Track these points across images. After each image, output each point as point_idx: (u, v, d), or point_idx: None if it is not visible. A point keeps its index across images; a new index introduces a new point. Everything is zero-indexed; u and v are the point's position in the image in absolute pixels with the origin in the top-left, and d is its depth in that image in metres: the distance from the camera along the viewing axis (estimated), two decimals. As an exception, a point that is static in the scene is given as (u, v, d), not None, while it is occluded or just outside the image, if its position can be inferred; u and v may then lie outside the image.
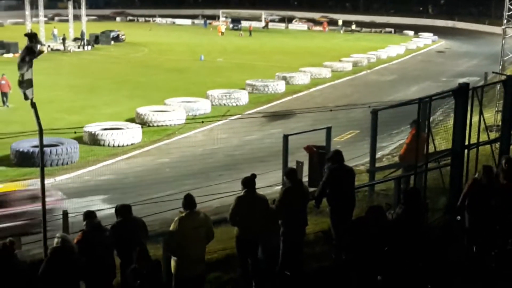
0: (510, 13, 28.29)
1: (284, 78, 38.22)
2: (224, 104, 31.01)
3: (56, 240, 7.54)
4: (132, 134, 23.65)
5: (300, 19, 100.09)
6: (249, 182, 8.84)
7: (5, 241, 7.27)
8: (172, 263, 8.10)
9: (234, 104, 31.31)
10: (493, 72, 21.15)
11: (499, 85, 16.04)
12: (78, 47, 55.75)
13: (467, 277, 8.62)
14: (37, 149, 18.57)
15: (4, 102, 29.93)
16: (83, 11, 58.34)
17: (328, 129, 12.09)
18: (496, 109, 19.96)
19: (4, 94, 29.96)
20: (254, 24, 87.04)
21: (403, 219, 8.10)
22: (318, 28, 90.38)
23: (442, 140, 12.11)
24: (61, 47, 54.27)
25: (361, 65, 48.74)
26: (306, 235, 9.73)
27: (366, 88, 38.41)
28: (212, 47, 59.30)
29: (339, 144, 19.39)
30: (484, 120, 11.62)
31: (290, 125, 24.02)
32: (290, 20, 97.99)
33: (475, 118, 11.36)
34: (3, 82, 29.80)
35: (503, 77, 12.83)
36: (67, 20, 60.30)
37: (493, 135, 13.13)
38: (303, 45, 65.08)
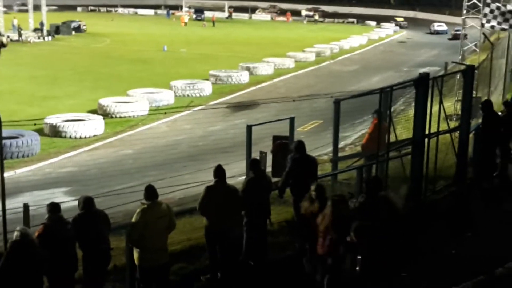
0: (469, 3, 28.72)
1: (248, 69, 38.21)
2: (188, 95, 30.88)
3: (15, 233, 7.42)
4: (94, 125, 23.39)
5: (264, 9, 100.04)
6: (219, 172, 8.84)
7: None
8: (135, 254, 8.08)
9: (197, 95, 31.20)
10: (453, 62, 21.46)
11: (458, 75, 16.28)
12: (38, 38, 54.78)
13: (428, 263, 8.77)
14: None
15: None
16: (44, 0, 57.29)
17: (292, 120, 12.14)
18: (456, 99, 20.27)
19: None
20: (218, 14, 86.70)
21: (365, 208, 8.18)
22: (281, 18, 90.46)
23: (403, 130, 12.27)
24: (21, 37, 53.22)
25: (324, 55, 48.99)
26: (270, 225, 9.78)
27: (329, 78, 38.65)
28: (175, 37, 58.91)
29: (303, 134, 19.47)
30: (444, 109, 11.80)
31: (253, 116, 24.08)
32: (253, 10, 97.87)
33: (435, 108, 11.54)
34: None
35: (463, 67, 13.03)
36: (27, 10, 59.18)
37: (453, 124, 13.35)
38: (266, 36, 65.10)
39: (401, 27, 79.18)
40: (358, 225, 6.56)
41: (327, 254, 7.55)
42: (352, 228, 6.69)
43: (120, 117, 25.45)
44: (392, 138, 11.03)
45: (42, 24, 55.64)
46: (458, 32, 61.10)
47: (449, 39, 60.46)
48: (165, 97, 29.17)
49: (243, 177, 10.36)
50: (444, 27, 74.30)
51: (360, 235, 6.69)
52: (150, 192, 8.08)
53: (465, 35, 30.33)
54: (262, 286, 8.50)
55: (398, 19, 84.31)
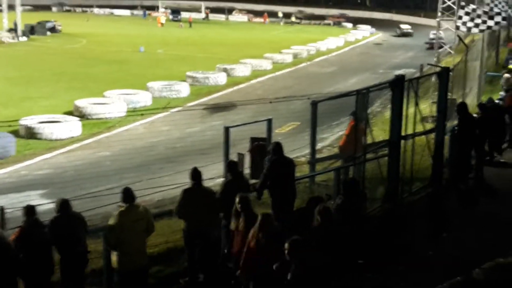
0: (444, 5, 29.03)
1: (225, 70, 38.18)
2: (165, 96, 30.73)
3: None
4: (71, 127, 23.19)
5: (240, 10, 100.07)
6: (196, 175, 8.84)
7: None
8: (113, 257, 8.05)
9: (174, 96, 31.07)
10: (428, 64, 21.72)
11: (434, 77, 16.46)
12: (13, 38, 54.18)
13: (406, 264, 8.86)
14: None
15: None
16: (18, 0, 56.64)
17: (269, 121, 12.18)
18: (431, 101, 20.49)
19: None
20: (194, 15, 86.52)
21: (343, 209, 8.25)
22: (258, 19, 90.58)
23: (379, 131, 12.40)
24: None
25: (301, 57, 49.15)
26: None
27: (306, 80, 38.78)
28: (152, 38, 58.67)
29: (280, 136, 19.52)
30: (420, 111, 11.93)
31: (231, 117, 24.05)
32: (230, 11, 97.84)
33: (411, 109, 11.66)
34: None
35: (438, 69, 13.18)
36: (1, 10, 58.47)
37: (428, 125, 13.49)
38: (243, 37, 65.13)
39: (405, 35, 74.33)
40: (291, 240, 6.42)
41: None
42: (285, 244, 6.50)
43: (97, 118, 25.25)
44: (369, 140, 11.12)
45: (16, 24, 55.03)
46: (433, 41, 59.04)
47: (427, 48, 59.51)
48: (142, 98, 29.03)
49: (221, 179, 10.37)
50: (410, 29, 74.98)
51: (293, 251, 6.57)
52: (127, 194, 8.06)
53: (440, 45, 30.92)
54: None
55: (403, 26, 78.52)
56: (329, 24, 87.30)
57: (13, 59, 43.79)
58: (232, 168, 9.46)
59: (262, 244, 7.17)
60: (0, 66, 39.77)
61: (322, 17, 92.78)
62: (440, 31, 30.79)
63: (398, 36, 73.85)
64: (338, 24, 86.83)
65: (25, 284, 7.55)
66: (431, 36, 58.27)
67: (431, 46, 50.26)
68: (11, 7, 56.73)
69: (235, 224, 8.09)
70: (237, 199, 8.05)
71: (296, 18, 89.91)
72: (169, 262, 9.46)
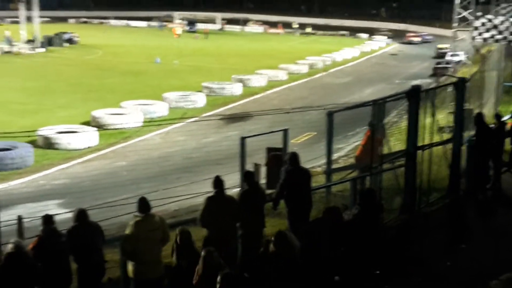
0: (459, 16, 28.95)
1: (241, 81, 38.30)
2: (181, 107, 30.89)
3: (9, 246, 7.42)
4: (88, 137, 23.36)
5: (256, 21, 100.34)
6: (219, 183, 8.84)
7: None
8: (129, 267, 8.06)
9: (191, 106, 31.22)
10: (444, 75, 21.64)
11: (450, 87, 16.38)
12: (31, 49, 54.73)
13: (423, 275, 8.79)
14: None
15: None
16: (36, 12, 57.28)
17: (285, 131, 12.16)
18: (448, 111, 20.36)
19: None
20: (210, 26, 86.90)
21: (359, 220, 8.22)
22: (273, 30, 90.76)
23: (396, 141, 12.32)
24: (13, 49, 53.18)
25: (316, 67, 49.17)
26: (264, 237, 9.77)
27: (321, 90, 38.77)
28: (168, 49, 58.98)
29: (296, 146, 19.49)
30: (436, 121, 11.88)
31: (247, 127, 24.10)
32: (245, 22, 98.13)
33: (428, 120, 11.60)
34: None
35: (454, 80, 13.13)
36: (19, 22, 59.10)
37: (445, 136, 13.40)
38: (259, 48, 65.29)
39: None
40: (223, 274, 6.25)
41: None
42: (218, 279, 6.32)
43: (114, 129, 25.42)
44: (386, 150, 11.08)
45: (35, 35, 55.64)
46: (440, 66, 44.81)
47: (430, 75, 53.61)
48: (159, 108, 29.19)
49: (237, 189, 10.36)
50: (419, 39, 78.58)
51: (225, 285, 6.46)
52: (143, 204, 8.08)
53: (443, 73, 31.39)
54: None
55: (410, 34, 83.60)
56: (343, 35, 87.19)
57: (31, 70, 44.24)
58: (249, 178, 9.46)
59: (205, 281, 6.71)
60: (18, 76, 40.18)
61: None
62: (446, 47, 30.94)
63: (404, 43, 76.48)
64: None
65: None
66: (438, 52, 57.51)
67: (434, 72, 42.89)
68: (29, 19, 57.36)
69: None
70: (177, 232, 7.61)
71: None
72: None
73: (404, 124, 11.53)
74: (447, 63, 40.12)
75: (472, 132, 13.23)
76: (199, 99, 32.12)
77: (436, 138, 12.08)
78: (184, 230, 7.69)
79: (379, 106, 10.88)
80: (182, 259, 7.47)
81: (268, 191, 10.30)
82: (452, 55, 45.58)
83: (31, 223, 9.75)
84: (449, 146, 12.28)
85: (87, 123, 25.94)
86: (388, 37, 79.71)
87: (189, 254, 7.41)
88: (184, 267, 7.34)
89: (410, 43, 75.77)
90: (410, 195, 11.03)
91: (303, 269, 8.07)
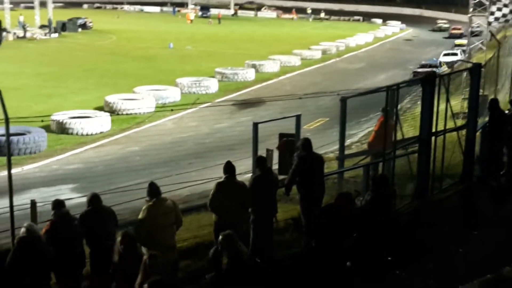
0: (475, 1, 28.66)
1: (254, 66, 38.20)
2: (194, 92, 30.89)
3: (22, 230, 7.48)
4: (101, 122, 23.43)
5: (269, 6, 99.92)
6: (229, 168, 8.85)
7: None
8: (144, 251, 8.09)
9: (203, 92, 31.21)
10: (459, 60, 21.46)
11: (465, 73, 16.26)
12: (45, 35, 54.87)
13: (435, 261, 8.77)
14: (3, 138, 18.30)
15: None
16: (50, -3, 57.39)
17: (298, 117, 12.12)
18: (463, 97, 20.23)
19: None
20: (223, 11, 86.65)
21: (372, 206, 8.20)
22: (287, 15, 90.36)
23: (409, 128, 12.27)
24: (27, 34, 53.33)
25: (330, 53, 48.95)
26: (276, 223, 9.79)
27: (335, 76, 38.61)
28: (181, 35, 58.90)
29: (309, 132, 19.48)
30: (451, 107, 11.79)
31: (259, 113, 24.03)
32: (259, 8, 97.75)
33: (442, 106, 11.52)
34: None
35: (469, 65, 13.01)
36: (33, 7, 59.25)
37: (459, 122, 13.33)
38: (272, 33, 65.04)
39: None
40: (151, 281, 6.13)
41: None
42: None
43: (127, 114, 25.48)
44: (399, 136, 11.02)
45: (49, 21, 55.77)
46: (456, 31, 58.15)
47: (445, 37, 58.46)
48: (171, 94, 29.20)
49: (249, 175, 10.36)
50: (447, 25, 73.62)
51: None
52: (153, 189, 8.12)
53: (474, 33, 30.48)
54: (268, 284, 8.49)
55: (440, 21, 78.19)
56: (358, 21, 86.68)
57: (44, 55, 44.36)
58: (261, 163, 9.45)
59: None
60: (32, 62, 40.31)
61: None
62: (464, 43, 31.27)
63: (434, 31, 73.25)
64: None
65: (56, 277, 7.64)
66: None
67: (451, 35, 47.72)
68: (43, 4, 57.45)
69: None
70: (120, 235, 7.40)
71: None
72: (197, 257, 9.48)
73: (417, 110, 11.46)
74: (431, 66, 34.96)
75: (487, 119, 13.12)
76: (212, 85, 32.09)
77: (450, 124, 12.00)
78: (127, 233, 7.51)
79: (392, 92, 10.82)
80: (125, 262, 7.30)
81: (281, 177, 10.29)
82: (445, 55, 41.32)
83: (44, 207, 9.78)
84: (463, 132, 12.19)
85: (100, 108, 26.01)
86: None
87: (132, 257, 7.24)
88: (127, 270, 7.21)
89: (451, 36, 62.87)
90: (423, 181, 10.98)
91: (316, 255, 8.10)
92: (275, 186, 9.45)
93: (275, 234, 9.67)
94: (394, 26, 76.19)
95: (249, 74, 36.17)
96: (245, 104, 26.24)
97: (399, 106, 11.80)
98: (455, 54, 40.12)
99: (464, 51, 40.15)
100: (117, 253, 7.39)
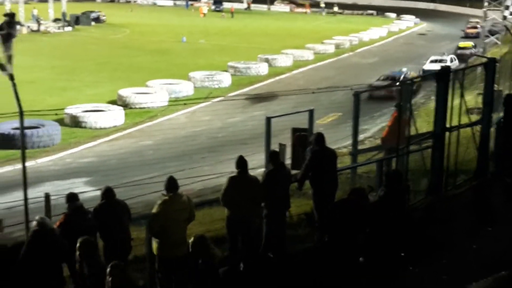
0: (491, -5, 28.42)
1: (267, 60, 38.17)
2: (207, 86, 30.92)
3: (34, 223, 7.53)
4: (114, 116, 23.53)
5: (283, 0, 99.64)
6: (242, 163, 8.85)
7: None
8: (154, 244, 8.12)
9: (216, 86, 31.23)
10: (473, 55, 21.31)
11: (480, 68, 16.13)
12: (58, 28, 55.08)
13: (448, 258, 8.73)
14: (17, 131, 18.43)
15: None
16: (63, -9, 57.56)
17: (311, 112, 12.09)
18: (477, 92, 20.09)
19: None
20: (236, 5, 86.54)
21: (385, 201, 8.17)
22: (300, 9, 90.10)
23: (423, 123, 12.20)
24: (41, 28, 53.55)
25: (343, 47, 48.79)
26: (289, 217, 9.79)
27: (348, 71, 38.47)
28: (194, 28, 58.91)
29: (322, 127, 19.40)
30: (465, 102, 11.71)
31: (272, 108, 24.00)
32: (272, 1, 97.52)
33: (456, 101, 11.45)
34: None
35: (484, 60, 12.90)
36: (46, 0, 59.46)
37: (474, 117, 13.23)
38: (285, 27, 64.88)
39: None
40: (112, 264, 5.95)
41: None
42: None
43: (140, 108, 25.57)
44: (413, 131, 10.97)
45: (64, 14, 55.98)
46: (472, 30, 52.18)
47: (462, 37, 54.38)
48: (184, 88, 29.26)
49: (262, 169, 10.36)
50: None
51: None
52: (171, 183, 8.11)
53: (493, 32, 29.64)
54: (281, 279, 8.50)
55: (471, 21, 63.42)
56: (371, 15, 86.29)
57: (58, 48, 44.55)
58: (274, 158, 9.44)
59: None
60: (46, 55, 40.51)
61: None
62: (471, 45, 30.15)
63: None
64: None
65: (70, 269, 7.68)
66: (457, 52, 43.32)
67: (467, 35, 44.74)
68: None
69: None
70: (79, 242, 7.00)
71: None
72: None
73: (431, 105, 11.39)
74: (394, 79, 26.50)
75: (501, 114, 13.02)
76: (225, 79, 32.11)
77: (464, 120, 11.92)
78: (86, 241, 7.15)
79: (406, 87, 10.77)
80: (86, 269, 7.06)
81: (293, 172, 10.27)
82: (432, 61, 36.06)
83: (58, 200, 9.84)
84: (477, 127, 12.11)
85: (113, 102, 26.10)
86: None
87: (92, 265, 7.01)
88: (87, 278, 7.03)
89: (467, 36, 56.04)
90: (437, 177, 10.93)
91: (329, 250, 8.08)
92: (288, 180, 9.44)
93: (288, 229, 9.66)
94: (408, 20, 75.75)
95: (262, 68, 36.15)
96: (258, 98, 26.23)
97: (412, 101, 11.74)
98: (443, 61, 34.23)
99: (456, 58, 37.26)
100: (77, 261, 7.01)
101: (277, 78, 35.16)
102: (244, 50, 44.44)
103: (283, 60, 39.54)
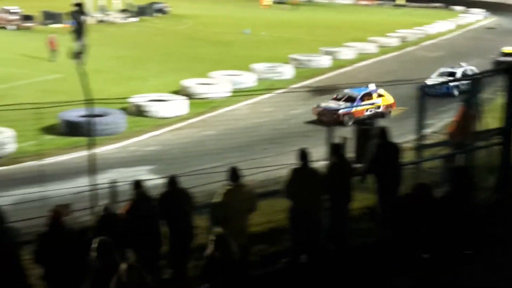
0: None
1: (329, 53, 37.91)
2: (268, 78, 30.95)
3: (100, 208, 7.72)
4: (178, 106, 23.85)
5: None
6: (304, 155, 8.84)
7: (54, 207, 7.43)
8: (213, 231, 8.19)
9: (278, 78, 31.22)
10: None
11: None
12: (124, 19, 56.17)
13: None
14: (84, 119, 18.88)
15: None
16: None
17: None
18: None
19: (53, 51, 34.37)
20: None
21: (450, 197, 8.00)
22: (364, 2, 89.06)
23: (491, 119, 11.86)
24: (107, 18, 54.73)
25: (407, 40, 47.95)
26: (351, 211, 9.70)
27: (412, 64, 37.78)
28: (256, 20, 59.06)
29: (385, 121, 19.20)
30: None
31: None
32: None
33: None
34: (52, 40, 34.30)
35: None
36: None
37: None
38: (348, 20, 64.26)
39: None
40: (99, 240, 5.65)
41: None
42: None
43: (202, 98, 25.85)
44: (480, 127, 10.70)
45: (130, 5, 57.07)
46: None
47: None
48: (246, 79, 29.39)
49: (324, 162, 10.30)
50: None
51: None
52: (234, 173, 8.19)
53: None
54: (342, 272, 8.46)
55: None
56: (437, 8, 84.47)
57: (123, 39, 45.46)
58: (336, 150, 9.38)
59: None
60: (112, 45, 41.38)
61: None
62: None
63: None
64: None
65: (136, 255, 7.84)
66: (497, 60, 34.89)
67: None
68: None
69: None
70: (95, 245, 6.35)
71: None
72: (271, 242, 9.53)
73: (500, 101, 11.05)
74: (451, 75, 26.42)
75: None
76: (287, 71, 32.08)
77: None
78: (103, 241, 6.41)
79: (474, 82, 10.51)
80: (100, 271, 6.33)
81: (356, 165, 10.17)
82: (441, 74, 28.65)
83: (123, 187, 10.06)
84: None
85: (176, 92, 26.45)
86: None
87: (109, 265, 6.20)
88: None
89: None
90: (505, 174, 10.62)
91: (391, 245, 7.98)
92: (349, 174, 9.36)
93: (350, 222, 9.58)
94: (476, 14, 73.79)
95: (324, 61, 35.94)
96: (320, 90, 26.07)
97: (481, 96, 11.42)
98: (452, 75, 28.30)
99: (468, 74, 26.90)
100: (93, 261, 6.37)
101: (340, 71, 34.91)
102: (306, 42, 44.28)
103: (346, 53, 39.20)
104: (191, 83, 27.13)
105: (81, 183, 13.12)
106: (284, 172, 9.23)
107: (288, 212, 8.91)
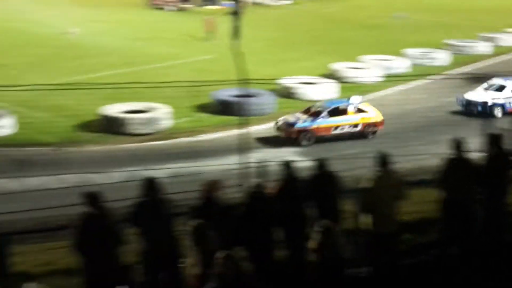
0: None
1: (488, 39, 35.91)
2: (421, 64, 29.93)
3: (251, 186, 7.88)
4: (326, 89, 23.80)
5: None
6: (459, 145, 8.50)
7: (207, 182, 7.69)
8: (364, 219, 8.11)
9: (431, 64, 30.10)
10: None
11: None
12: (277, 1, 56.83)
13: None
14: (236, 99, 19.35)
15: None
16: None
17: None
18: None
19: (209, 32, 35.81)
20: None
21: None
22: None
23: None
24: (261, 0, 55.59)
25: None
26: (508, 205, 9.16)
27: None
28: (409, 3, 57.17)
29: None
30: None
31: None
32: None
33: None
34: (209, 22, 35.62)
35: None
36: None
37: None
38: (510, 3, 60.38)
39: None
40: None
41: None
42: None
43: (351, 82, 25.58)
44: None
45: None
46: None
47: None
48: (398, 64, 28.70)
49: (478, 153, 9.80)
50: None
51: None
52: (384, 160, 8.03)
53: None
54: (493, 267, 8.03)
55: None
56: None
57: (275, 21, 46.03)
58: (495, 141, 8.88)
59: None
60: (264, 27, 42.00)
61: None
62: None
63: None
64: None
65: (285, 233, 7.93)
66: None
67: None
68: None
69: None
70: (191, 229, 6.22)
71: None
72: (420, 232, 9.26)
73: None
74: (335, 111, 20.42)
75: None
76: (441, 57, 30.88)
77: None
78: (200, 224, 6.35)
79: None
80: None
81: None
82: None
83: (272, 167, 10.22)
84: None
85: (324, 75, 26.36)
86: None
87: (204, 252, 6.10)
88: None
89: None
90: None
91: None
92: (509, 166, 8.82)
93: (510, 217, 9.04)
94: None
95: (482, 47, 34.14)
96: (477, 78, 24.78)
97: None
98: (502, 89, 21.21)
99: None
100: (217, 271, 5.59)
101: (500, 58, 32.97)
102: (463, 27, 42.23)
103: (508, 39, 36.90)
104: (341, 67, 26.93)
105: (232, 161, 13.56)
106: (434, 162, 8.91)
107: (441, 202, 8.58)
